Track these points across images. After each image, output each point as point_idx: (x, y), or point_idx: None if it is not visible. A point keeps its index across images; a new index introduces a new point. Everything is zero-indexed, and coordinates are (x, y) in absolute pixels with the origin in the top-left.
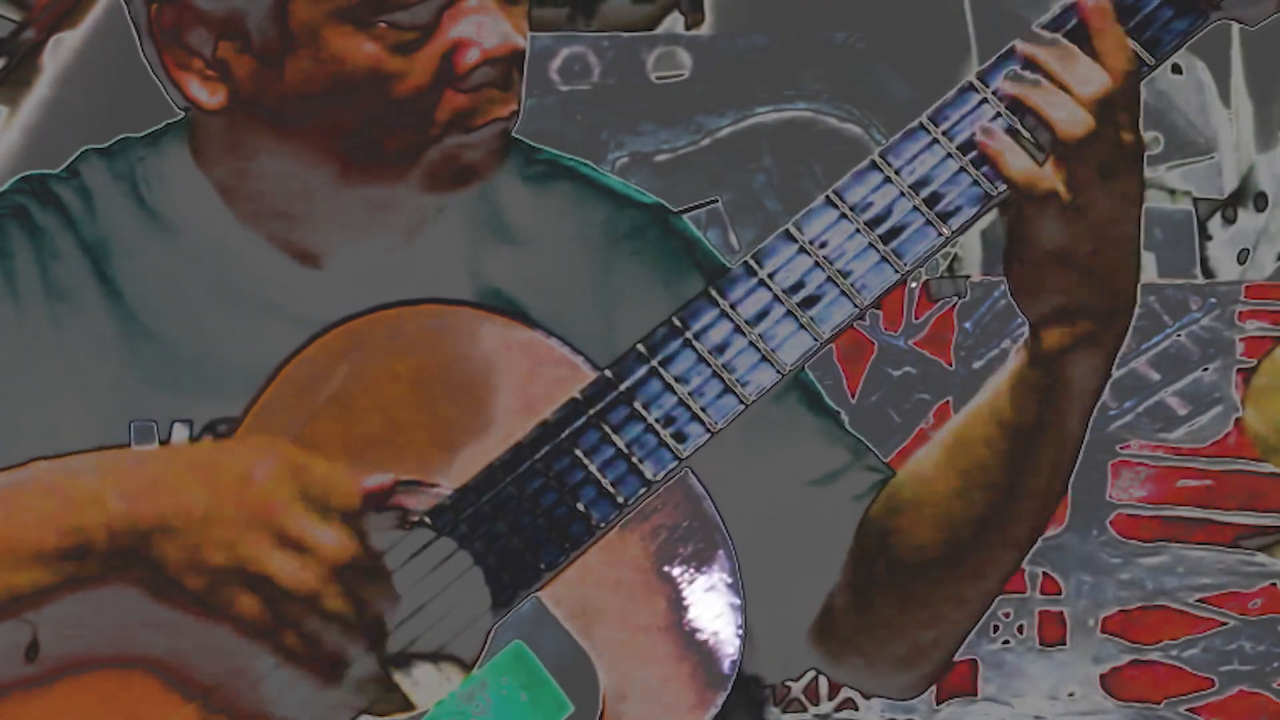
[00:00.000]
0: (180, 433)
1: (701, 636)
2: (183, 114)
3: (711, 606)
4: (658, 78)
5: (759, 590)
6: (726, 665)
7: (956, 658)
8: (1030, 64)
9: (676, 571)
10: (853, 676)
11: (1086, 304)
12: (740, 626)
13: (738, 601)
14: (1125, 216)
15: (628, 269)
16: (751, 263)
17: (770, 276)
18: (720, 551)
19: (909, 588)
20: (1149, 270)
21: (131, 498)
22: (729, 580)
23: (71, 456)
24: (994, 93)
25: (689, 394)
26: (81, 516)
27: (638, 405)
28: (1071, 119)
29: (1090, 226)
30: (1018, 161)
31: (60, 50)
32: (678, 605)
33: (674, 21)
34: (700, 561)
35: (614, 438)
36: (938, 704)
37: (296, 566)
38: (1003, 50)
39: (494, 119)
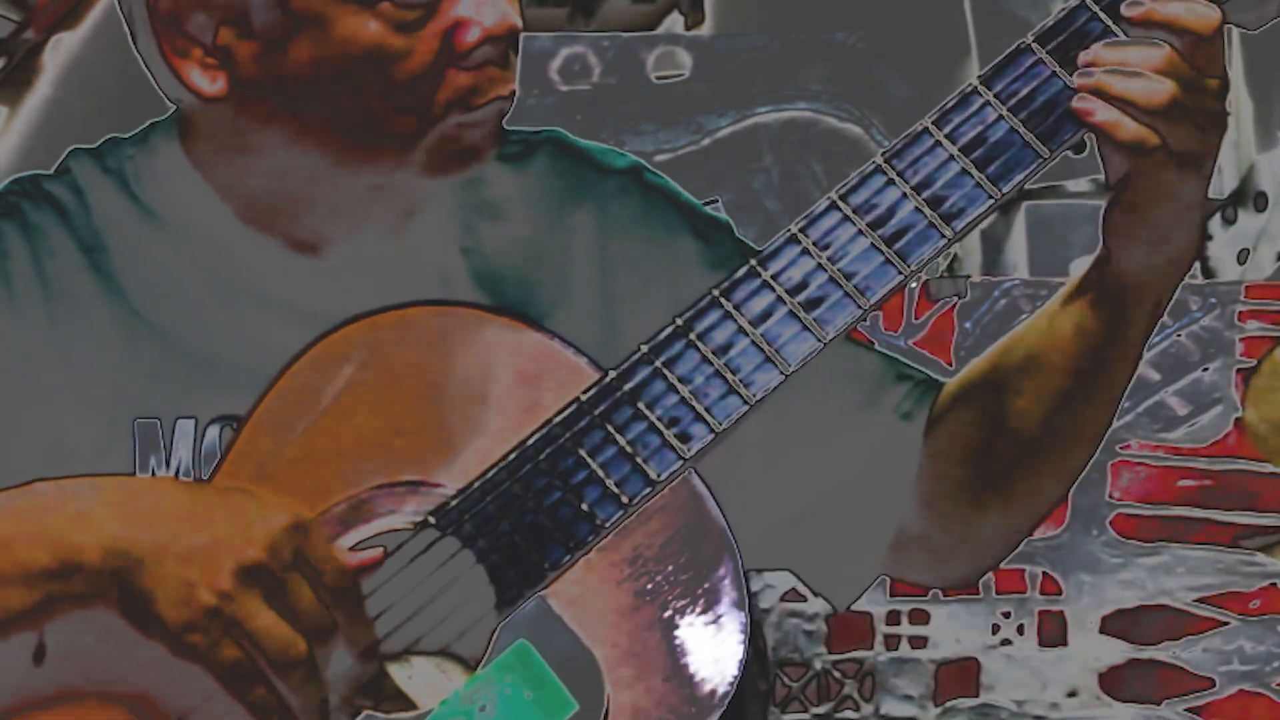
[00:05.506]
0: (185, 429)
1: (705, 637)
2: (171, 110)
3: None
4: (658, 78)
5: (829, 524)
6: (731, 667)
7: (956, 656)
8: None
9: (680, 574)
10: (912, 571)
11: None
12: (743, 635)
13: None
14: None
15: (618, 233)
16: (755, 264)
17: (774, 278)
18: (725, 559)
19: (983, 486)
20: None
21: (130, 524)
22: (734, 595)
23: (73, 479)
24: (996, 96)
25: (692, 394)
26: (76, 534)
27: (641, 405)
28: (1150, 90)
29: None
30: (1126, 128)
31: (60, 50)
32: (681, 605)
33: (674, 21)
34: (703, 567)
35: (618, 438)
36: (938, 704)
37: (287, 633)
38: (1005, 54)
39: (495, 98)
